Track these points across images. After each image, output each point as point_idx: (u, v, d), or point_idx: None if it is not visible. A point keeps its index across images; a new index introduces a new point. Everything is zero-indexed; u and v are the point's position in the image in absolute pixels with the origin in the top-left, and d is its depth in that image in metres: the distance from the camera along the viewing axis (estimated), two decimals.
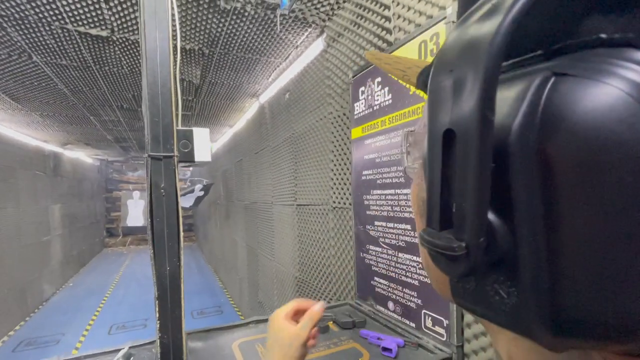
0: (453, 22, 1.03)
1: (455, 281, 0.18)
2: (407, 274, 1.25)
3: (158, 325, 0.65)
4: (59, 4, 1.62)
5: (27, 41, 1.98)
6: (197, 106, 3.51)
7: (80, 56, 2.21)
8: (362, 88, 1.48)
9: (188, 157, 0.74)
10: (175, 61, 1.04)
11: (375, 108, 1.40)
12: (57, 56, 2.20)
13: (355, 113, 1.54)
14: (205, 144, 0.76)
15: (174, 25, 1.09)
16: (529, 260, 0.14)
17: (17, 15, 1.71)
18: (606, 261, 0.13)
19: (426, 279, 1.16)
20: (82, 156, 8.09)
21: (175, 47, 1.12)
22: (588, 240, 0.13)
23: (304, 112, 2.22)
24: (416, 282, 1.21)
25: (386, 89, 1.32)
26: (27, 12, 1.68)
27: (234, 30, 1.92)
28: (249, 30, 1.93)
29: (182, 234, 0.78)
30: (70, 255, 6.89)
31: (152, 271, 0.68)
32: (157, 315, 0.66)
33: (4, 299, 4.19)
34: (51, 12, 1.70)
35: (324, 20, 1.84)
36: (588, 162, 0.12)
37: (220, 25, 1.86)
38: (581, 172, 0.13)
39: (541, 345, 0.15)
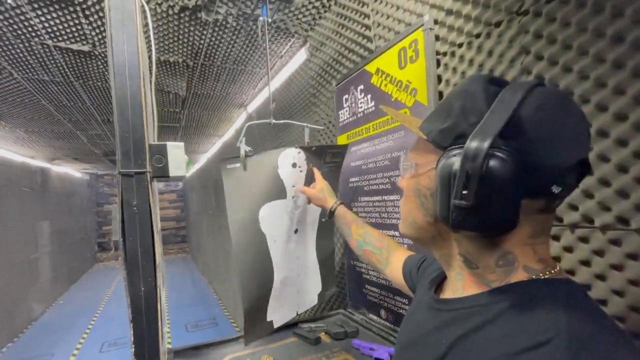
0: (430, 29, 1.03)
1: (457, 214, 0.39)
2: None
3: (133, 350, 0.63)
4: (35, 20, 1.60)
5: (6, 58, 1.95)
6: (184, 118, 3.49)
7: (62, 72, 2.18)
8: (346, 96, 1.48)
9: (162, 173, 0.72)
10: (150, 73, 1.02)
11: (359, 115, 1.40)
12: (37, 72, 2.17)
13: (340, 121, 1.54)
14: (180, 158, 0.74)
15: (147, 35, 1.08)
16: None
17: None
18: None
19: None
20: (71, 171, 7.98)
21: (150, 57, 1.11)
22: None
23: (290, 120, 2.21)
24: None
25: (369, 96, 1.32)
26: (4, 30, 1.66)
27: (217, 42, 1.92)
28: (232, 42, 1.92)
29: (158, 252, 0.76)
30: (60, 272, 6.74)
31: (125, 293, 0.66)
32: (132, 339, 0.64)
33: None
34: (29, 29, 1.68)
35: (306, 30, 1.85)
36: None
37: (203, 37, 1.85)
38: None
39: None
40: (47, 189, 6.37)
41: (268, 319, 1.23)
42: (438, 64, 1.05)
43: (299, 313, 1.34)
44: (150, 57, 1.11)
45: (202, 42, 1.90)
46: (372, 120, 1.32)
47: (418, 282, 0.70)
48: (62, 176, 7.39)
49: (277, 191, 1.16)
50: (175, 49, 1.96)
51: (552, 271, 0.40)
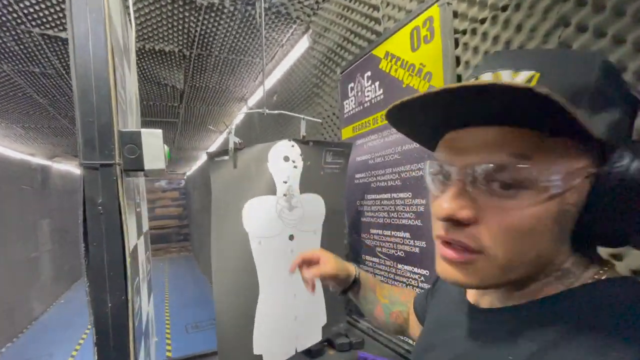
0: (448, 3, 0.91)
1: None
2: (408, 287, 1.12)
3: None
4: (18, 6, 1.49)
5: None
6: (182, 112, 3.38)
7: (52, 63, 2.08)
8: (352, 84, 1.36)
9: (135, 165, 0.61)
10: (126, 52, 0.90)
11: (365, 105, 1.28)
12: (27, 64, 2.07)
13: (345, 111, 1.42)
14: (158, 148, 0.63)
15: (127, 6, 0.97)
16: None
17: None
18: None
19: None
20: (73, 168, 7.92)
21: (130, 22, 0.99)
22: None
23: (285, 111, 2.10)
24: None
25: (377, 83, 1.20)
26: None
27: (213, 29, 1.80)
28: (230, 29, 1.81)
29: (137, 260, 0.65)
30: (61, 271, 6.69)
31: (88, 310, 0.55)
32: None
33: None
34: (14, 15, 1.57)
35: (309, 15, 1.73)
36: None
37: (199, 24, 1.74)
38: None
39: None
40: (47, 186, 6.31)
41: (255, 352, 0.96)
42: (456, 43, 0.93)
43: (298, 351, 1.07)
44: (130, 22, 1.00)
45: (197, 29, 1.79)
46: (380, 109, 1.20)
47: (429, 306, 0.60)
48: (63, 174, 7.33)
49: (266, 187, 1.01)
50: (170, 37, 1.85)
51: (608, 265, 0.36)
